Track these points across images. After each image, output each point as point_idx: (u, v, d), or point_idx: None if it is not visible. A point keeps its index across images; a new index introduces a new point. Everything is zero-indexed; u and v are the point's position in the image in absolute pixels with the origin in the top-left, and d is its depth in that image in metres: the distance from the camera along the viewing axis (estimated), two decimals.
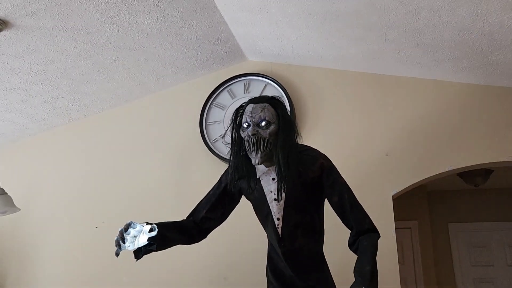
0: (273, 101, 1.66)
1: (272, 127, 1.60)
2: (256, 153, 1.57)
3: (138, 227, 1.52)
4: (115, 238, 1.52)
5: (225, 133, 1.75)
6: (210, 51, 2.79)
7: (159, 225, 1.58)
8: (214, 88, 2.93)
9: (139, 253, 1.56)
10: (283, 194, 1.62)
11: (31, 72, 2.58)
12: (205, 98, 2.92)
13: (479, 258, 4.39)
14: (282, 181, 1.57)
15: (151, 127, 3.06)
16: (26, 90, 2.73)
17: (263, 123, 1.59)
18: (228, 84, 2.93)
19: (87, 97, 2.96)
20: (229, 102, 2.91)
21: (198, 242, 1.79)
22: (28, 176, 3.17)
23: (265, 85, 2.87)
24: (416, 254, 4.13)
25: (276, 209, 1.64)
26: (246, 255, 2.60)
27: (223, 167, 2.75)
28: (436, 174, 2.51)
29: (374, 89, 2.74)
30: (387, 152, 2.59)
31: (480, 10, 1.93)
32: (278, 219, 1.64)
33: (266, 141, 1.58)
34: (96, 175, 3.04)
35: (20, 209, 2.72)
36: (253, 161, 1.59)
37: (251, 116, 1.60)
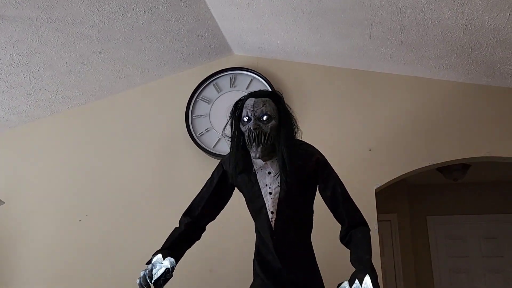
0: (274, 96, 1.67)
1: (273, 121, 1.61)
2: (257, 148, 1.58)
3: (158, 266, 1.61)
4: (138, 282, 1.58)
5: (225, 127, 1.75)
6: (196, 44, 2.78)
7: (170, 248, 1.69)
8: (200, 81, 2.93)
9: (158, 283, 1.60)
10: (278, 188, 1.64)
11: (13, 63, 2.53)
12: (191, 92, 2.92)
13: (455, 249, 4.53)
14: (285, 175, 1.59)
15: (136, 120, 3.04)
16: (7, 81, 2.68)
17: (265, 118, 1.60)
18: (214, 78, 2.93)
19: (71, 89, 2.92)
20: (215, 96, 2.92)
21: (199, 239, 1.84)
22: (10, 169, 3.11)
23: (251, 80, 2.88)
24: (395, 246, 4.24)
25: (270, 203, 1.66)
26: (231, 248, 2.63)
27: (209, 161, 2.79)
28: (417, 169, 2.58)
29: (359, 85, 2.79)
30: (371, 147, 2.64)
31: (463, 10, 1.99)
32: (272, 212, 1.66)
33: (267, 136, 1.59)
34: (80, 169, 3.01)
35: (4, 202, 2.68)
36: (253, 155, 1.60)
37: (253, 110, 1.61)
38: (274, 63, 2.92)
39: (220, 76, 2.94)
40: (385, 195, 2.79)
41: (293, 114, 1.69)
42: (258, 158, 1.60)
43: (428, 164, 2.57)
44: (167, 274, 1.60)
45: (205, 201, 1.79)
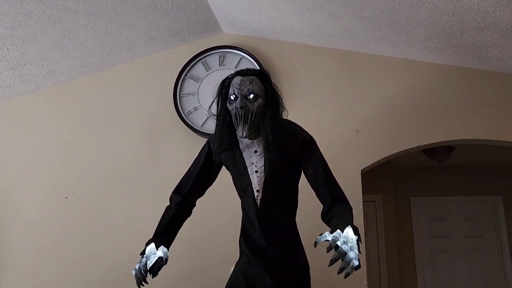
0: (261, 74, 1.67)
1: (259, 100, 1.61)
2: (244, 126, 1.58)
3: (152, 257, 1.66)
4: (134, 273, 1.62)
5: (211, 104, 1.74)
6: (185, 21, 2.74)
7: (161, 234, 1.73)
8: (188, 59, 2.90)
9: (153, 269, 1.65)
10: (263, 167, 1.65)
11: None
12: (179, 70, 2.89)
13: (437, 230, 4.64)
14: (268, 154, 1.60)
15: (123, 97, 3.01)
16: None
17: (251, 96, 1.60)
18: (203, 56, 2.90)
19: (56, 65, 2.87)
20: (203, 74, 2.90)
21: (190, 215, 1.88)
22: None
23: (240, 59, 2.86)
24: (379, 226, 4.32)
25: (256, 181, 1.67)
26: (218, 226, 2.66)
27: (197, 139, 2.78)
28: (403, 150, 2.61)
29: (348, 66, 2.79)
30: (358, 128, 2.67)
31: None
32: (257, 191, 1.67)
33: (253, 114, 1.59)
34: (66, 145, 2.98)
35: None
36: (239, 133, 1.61)
37: (239, 89, 1.61)
38: (263, 42, 2.90)
39: (209, 54, 2.91)
40: (371, 176, 2.83)
41: (280, 93, 1.69)
42: (245, 137, 1.60)
43: (414, 146, 2.61)
44: (161, 261, 1.65)
45: (193, 179, 1.81)
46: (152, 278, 1.65)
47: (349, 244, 1.29)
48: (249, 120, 1.58)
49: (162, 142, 2.89)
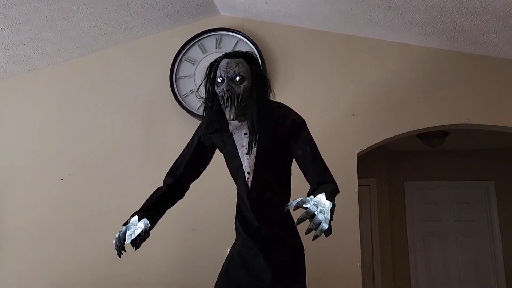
0: (248, 57, 1.66)
1: (246, 82, 1.61)
2: (231, 109, 1.58)
3: (133, 227, 1.67)
4: (114, 242, 1.65)
5: (198, 87, 1.74)
6: (181, 2, 2.71)
7: (147, 209, 1.74)
8: (185, 42, 2.88)
9: (136, 242, 1.66)
10: (254, 149, 1.66)
11: None
12: (176, 52, 2.87)
13: (429, 213, 4.71)
14: (254, 136, 1.62)
15: (118, 79, 2.99)
16: None
17: (237, 78, 1.60)
18: (200, 38, 2.88)
19: (50, 45, 2.83)
20: (200, 57, 2.88)
21: (183, 198, 1.88)
22: None
23: (237, 41, 2.84)
24: (373, 209, 4.37)
25: (247, 163, 1.68)
26: (214, 208, 2.68)
27: (193, 122, 2.78)
28: (398, 134, 2.63)
29: (345, 50, 2.78)
30: (354, 112, 2.68)
31: None
32: (248, 173, 1.69)
33: (240, 97, 1.59)
34: (61, 127, 2.96)
35: None
36: (227, 116, 1.61)
37: (226, 71, 1.60)
38: (260, 25, 2.88)
39: (206, 36, 2.89)
40: (365, 161, 2.86)
41: (267, 76, 1.69)
42: (232, 119, 1.60)
43: (409, 130, 2.62)
44: (145, 234, 1.67)
45: (186, 161, 1.82)
46: (135, 250, 1.68)
47: (319, 208, 1.28)
48: (235, 102, 1.58)
49: (158, 124, 2.88)
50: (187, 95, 2.83)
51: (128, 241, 1.64)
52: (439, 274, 4.51)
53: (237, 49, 2.81)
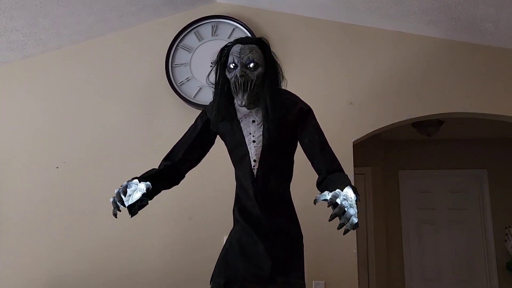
0: (261, 43, 1.64)
1: (259, 69, 1.60)
2: (243, 95, 1.57)
3: (133, 186, 1.55)
4: (112, 200, 1.53)
5: (209, 73, 1.72)
6: None
7: (147, 178, 1.62)
8: (180, 29, 2.85)
9: (133, 209, 1.57)
10: (261, 137, 1.65)
11: None
12: (171, 39, 2.85)
13: (423, 202, 4.76)
14: (267, 123, 1.60)
15: (114, 66, 2.96)
16: None
17: (251, 65, 1.58)
18: (196, 25, 2.86)
19: (45, 32, 2.80)
20: (196, 45, 2.86)
21: (177, 184, 1.80)
22: None
23: (234, 29, 2.82)
24: (368, 197, 4.41)
25: (253, 151, 1.67)
26: (211, 196, 2.68)
27: (189, 110, 2.77)
28: (394, 123, 2.64)
29: (342, 38, 2.78)
30: (351, 101, 2.68)
31: None
32: (254, 160, 1.67)
33: (253, 83, 1.58)
34: (55, 115, 2.94)
35: None
36: (239, 102, 1.60)
37: (239, 57, 1.59)
38: (257, 13, 2.86)
39: (202, 24, 2.86)
40: (361, 150, 2.87)
41: (279, 63, 1.67)
42: (244, 105, 1.59)
43: (406, 119, 2.64)
44: (143, 200, 1.56)
45: (187, 146, 1.76)
46: (131, 217, 1.58)
47: (349, 202, 1.30)
48: (248, 89, 1.57)
49: (154, 112, 2.87)
50: (183, 83, 2.82)
51: (127, 203, 1.53)
52: (432, 261, 4.58)
53: (233, 36, 2.79)
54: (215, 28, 2.86)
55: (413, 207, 4.75)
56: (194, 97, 2.79)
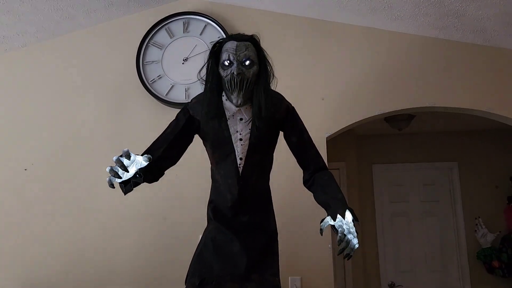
0: (254, 41, 1.65)
1: (255, 67, 1.60)
2: (239, 93, 1.57)
3: (132, 157, 1.41)
4: (109, 168, 1.40)
5: (201, 69, 1.68)
6: None
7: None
8: (151, 26, 2.80)
9: (128, 185, 1.48)
10: (248, 135, 1.64)
11: None
12: (142, 36, 2.79)
13: (397, 195, 4.84)
14: (259, 121, 1.60)
15: (83, 65, 2.89)
16: None
17: (247, 62, 1.58)
18: (167, 22, 2.82)
19: (8, 30, 2.71)
20: (167, 42, 2.82)
21: (157, 181, 1.71)
22: None
23: (205, 25, 2.80)
24: (343, 192, 4.43)
25: (240, 149, 1.65)
26: (185, 195, 2.65)
27: (162, 108, 2.73)
28: (366, 118, 2.68)
29: (314, 34, 2.79)
30: (323, 97, 2.70)
31: None
32: (241, 158, 1.66)
33: (248, 81, 1.58)
34: (21, 115, 2.85)
35: None
36: (234, 101, 1.59)
37: (236, 54, 1.57)
38: (228, 9, 2.84)
39: (173, 20, 2.82)
40: (335, 145, 2.90)
41: (271, 61, 1.67)
42: (239, 104, 1.59)
43: (377, 114, 2.67)
44: (138, 177, 1.45)
45: (168, 142, 1.68)
46: (125, 194, 1.47)
47: (351, 231, 1.43)
48: (244, 87, 1.57)
49: (125, 111, 2.81)
50: (155, 80, 2.77)
51: (124, 178, 1.40)
52: (406, 253, 4.66)
53: (205, 33, 2.77)
54: (186, 24, 2.82)
55: (387, 200, 4.83)
56: (166, 95, 2.75)
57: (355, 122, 2.69)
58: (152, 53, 2.81)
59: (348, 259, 1.46)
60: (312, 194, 1.71)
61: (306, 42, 2.78)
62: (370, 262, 4.57)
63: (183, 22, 2.82)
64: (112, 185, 1.44)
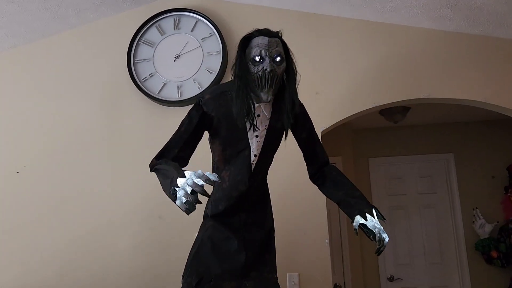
0: (280, 37, 1.64)
1: (284, 64, 1.60)
2: (269, 90, 1.55)
3: (196, 173, 1.36)
4: (188, 199, 1.34)
5: (233, 65, 1.62)
6: None
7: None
8: (141, 23, 2.77)
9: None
10: (265, 131, 1.64)
11: None
12: (132, 34, 2.77)
13: (394, 188, 4.83)
14: (292, 119, 1.62)
15: (74, 65, 2.86)
16: None
17: (278, 59, 1.57)
18: (157, 19, 2.79)
19: None
20: (158, 39, 2.79)
21: None
22: None
23: (196, 22, 2.77)
24: None
25: (255, 146, 1.64)
26: None
27: (154, 106, 2.71)
28: (361, 111, 2.65)
29: (307, 28, 2.76)
30: (318, 91, 2.68)
31: None
32: (255, 155, 1.64)
33: (278, 78, 1.57)
34: (13, 117, 2.82)
35: None
36: (264, 97, 1.56)
37: (268, 50, 1.55)
38: (219, 4, 2.81)
39: (163, 17, 2.79)
40: (331, 139, 2.87)
41: (294, 58, 1.67)
42: (269, 101, 1.59)
43: (372, 106, 2.65)
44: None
45: (183, 141, 1.62)
46: (188, 214, 1.36)
47: (382, 229, 1.53)
48: (274, 83, 1.56)
49: (117, 110, 2.78)
50: (147, 79, 2.75)
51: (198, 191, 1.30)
52: (404, 246, 4.66)
53: (196, 29, 2.75)
54: (177, 21, 2.79)
55: (385, 194, 4.82)
56: (158, 93, 2.72)
57: (350, 116, 2.67)
58: (143, 51, 2.78)
59: (379, 255, 1.55)
60: (311, 192, 1.76)
61: (298, 36, 2.75)
62: (368, 255, 4.56)
63: (174, 19, 2.79)
64: (191, 210, 1.36)
